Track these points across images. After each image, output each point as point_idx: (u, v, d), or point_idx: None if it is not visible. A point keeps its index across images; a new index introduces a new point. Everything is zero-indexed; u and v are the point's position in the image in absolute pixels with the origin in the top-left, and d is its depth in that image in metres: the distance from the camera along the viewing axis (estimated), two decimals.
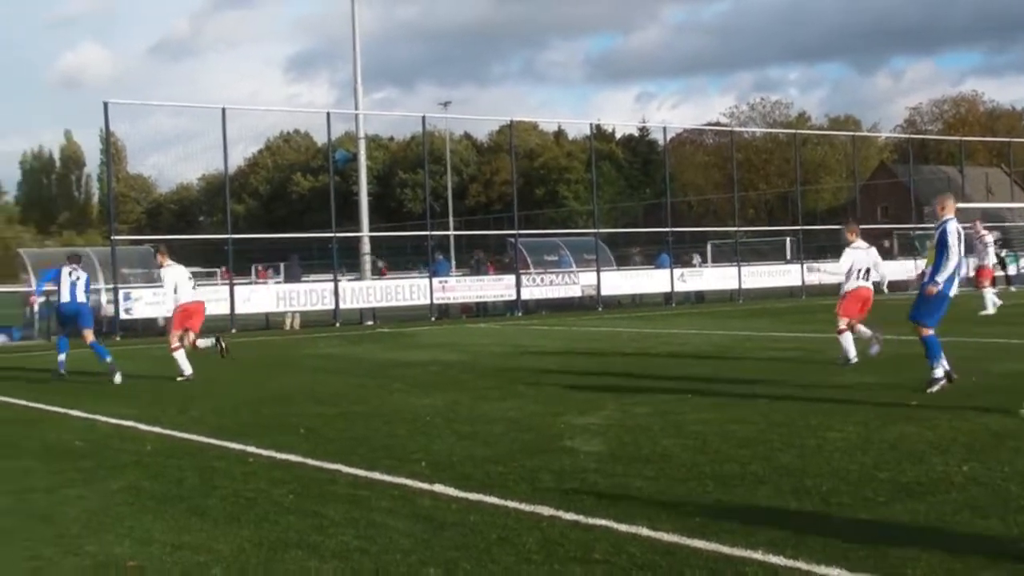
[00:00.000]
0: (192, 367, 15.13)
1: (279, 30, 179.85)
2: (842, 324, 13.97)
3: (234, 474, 7.89)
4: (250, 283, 32.50)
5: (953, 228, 11.10)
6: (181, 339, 15.56)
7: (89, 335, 15.92)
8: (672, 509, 6.33)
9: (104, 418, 11.29)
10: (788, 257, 42.81)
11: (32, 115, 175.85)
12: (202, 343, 16.06)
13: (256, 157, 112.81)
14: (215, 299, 28.43)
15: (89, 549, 5.91)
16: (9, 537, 6.26)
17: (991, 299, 23.65)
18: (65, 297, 16.06)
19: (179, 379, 14.99)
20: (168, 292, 15.97)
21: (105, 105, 27.44)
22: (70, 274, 16.08)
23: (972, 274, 23.81)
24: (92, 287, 28.05)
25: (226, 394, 13.31)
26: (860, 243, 14.41)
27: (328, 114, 32.60)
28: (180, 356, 15.34)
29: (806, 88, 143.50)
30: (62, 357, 16.08)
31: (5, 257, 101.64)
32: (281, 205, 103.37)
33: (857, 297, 14.06)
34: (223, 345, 16.24)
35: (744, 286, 36.95)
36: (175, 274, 15.85)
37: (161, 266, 16.42)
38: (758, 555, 5.30)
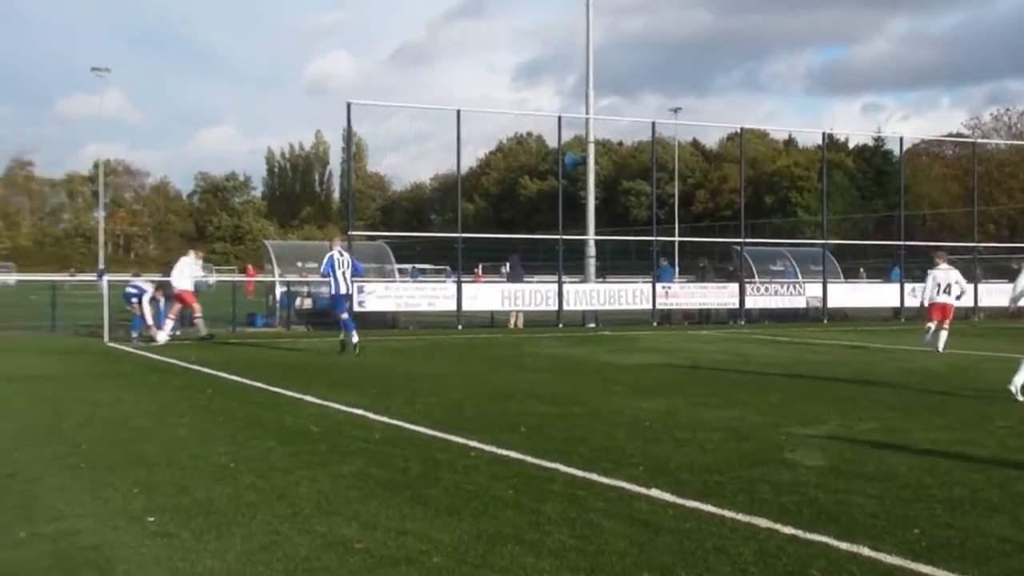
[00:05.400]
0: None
1: (507, 39, 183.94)
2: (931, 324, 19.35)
3: (456, 467, 8.11)
4: (472, 281, 33.21)
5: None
6: None
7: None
8: (896, 530, 6.14)
9: (336, 405, 11.81)
10: None
11: (280, 117, 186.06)
12: None
13: (488, 158, 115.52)
14: (444, 296, 29.33)
15: (319, 529, 6.22)
16: (252, 511, 6.66)
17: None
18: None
19: None
20: None
21: (348, 106, 28.84)
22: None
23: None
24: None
25: (451, 389, 13.67)
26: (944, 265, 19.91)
27: (559, 118, 33.08)
28: None
29: None
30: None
31: (252, 248, 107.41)
32: (509, 206, 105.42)
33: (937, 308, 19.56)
34: None
35: (981, 304, 35.06)
36: None
37: None
38: None
